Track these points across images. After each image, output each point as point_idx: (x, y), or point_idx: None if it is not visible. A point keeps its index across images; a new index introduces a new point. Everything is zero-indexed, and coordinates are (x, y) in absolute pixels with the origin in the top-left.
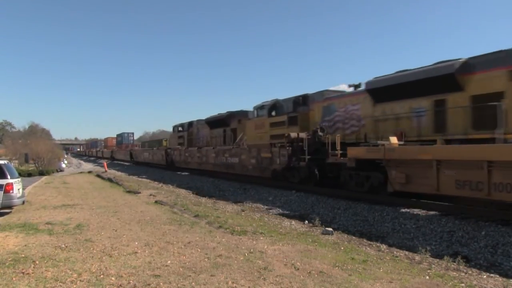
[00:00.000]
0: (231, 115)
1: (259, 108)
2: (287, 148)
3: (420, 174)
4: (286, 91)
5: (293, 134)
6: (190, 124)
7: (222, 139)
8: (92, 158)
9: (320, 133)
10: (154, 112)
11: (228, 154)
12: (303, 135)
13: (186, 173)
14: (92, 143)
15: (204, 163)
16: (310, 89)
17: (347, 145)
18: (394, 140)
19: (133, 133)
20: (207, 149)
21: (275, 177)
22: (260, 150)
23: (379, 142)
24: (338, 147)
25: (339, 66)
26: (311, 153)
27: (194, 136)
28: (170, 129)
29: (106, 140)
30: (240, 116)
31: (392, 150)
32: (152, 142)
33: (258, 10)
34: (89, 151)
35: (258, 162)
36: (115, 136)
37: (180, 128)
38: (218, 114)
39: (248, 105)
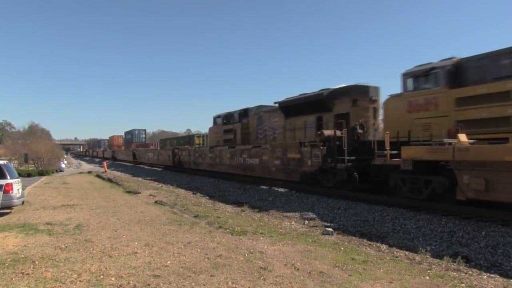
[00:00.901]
0: (334, 94)
1: (419, 75)
2: (321, 147)
3: (507, 180)
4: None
5: (328, 132)
6: (245, 112)
7: (314, 130)
8: (97, 159)
9: (360, 130)
10: (153, 113)
11: (247, 155)
12: (339, 132)
13: (186, 174)
14: (95, 143)
15: (217, 164)
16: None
17: (402, 144)
18: (463, 137)
19: (145, 130)
20: (221, 148)
21: (304, 181)
22: (286, 150)
23: (445, 140)
24: (387, 146)
25: (339, 67)
26: (348, 153)
27: (253, 129)
28: (171, 129)
29: (111, 139)
30: (354, 93)
31: (464, 149)
32: (178, 139)
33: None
34: (93, 151)
35: (284, 164)
36: (123, 134)
37: (224, 120)
38: (301, 94)
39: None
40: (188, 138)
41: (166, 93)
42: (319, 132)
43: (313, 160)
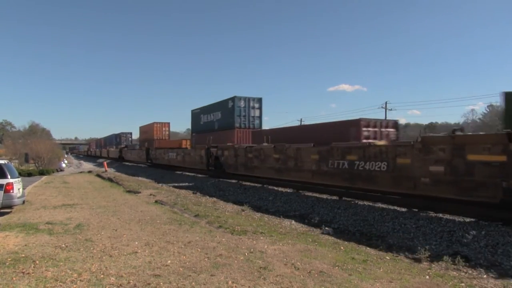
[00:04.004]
0: None
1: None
2: None
3: None
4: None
5: None
6: None
7: None
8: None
9: None
10: (152, 112)
11: (356, 156)
12: None
13: (188, 174)
14: (109, 139)
15: (291, 169)
16: (313, 89)
17: None
18: None
19: (260, 99)
20: (298, 147)
21: (507, 203)
22: (463, 148)
23: None
24: None
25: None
26: None
27: None
28: (171, 130)
29: (147, 128)
30: None
31: None
32: None
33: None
34: (120, 149)
35: (456, 173)
36: (191, 116)
37: None
38: None
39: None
40: None
41: (165, 92)
42: None
43: None
